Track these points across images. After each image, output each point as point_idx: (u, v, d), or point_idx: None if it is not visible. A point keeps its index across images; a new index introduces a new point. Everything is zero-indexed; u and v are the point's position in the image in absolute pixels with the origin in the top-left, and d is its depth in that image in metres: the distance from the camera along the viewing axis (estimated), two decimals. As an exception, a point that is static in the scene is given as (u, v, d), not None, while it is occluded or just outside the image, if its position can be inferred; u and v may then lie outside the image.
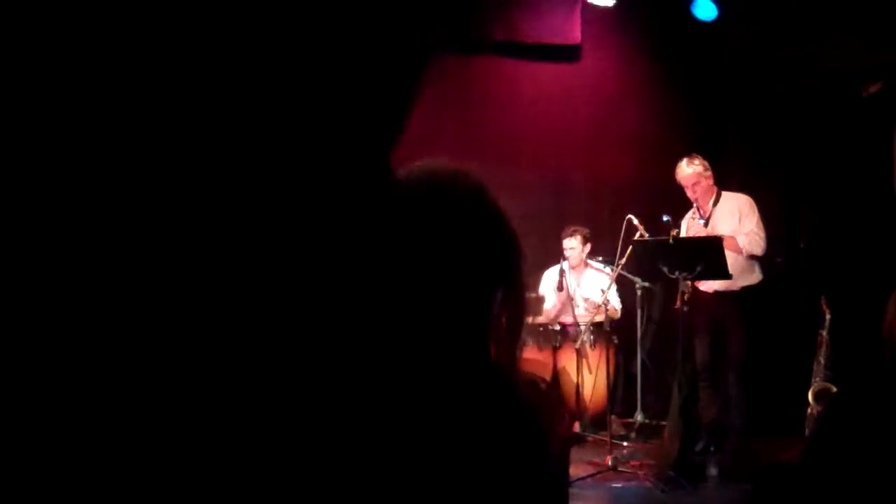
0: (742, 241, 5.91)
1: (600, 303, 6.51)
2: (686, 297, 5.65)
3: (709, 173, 6.06)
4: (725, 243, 5.73)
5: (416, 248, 1.19)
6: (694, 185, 6.00)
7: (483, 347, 1.24)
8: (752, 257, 5.97)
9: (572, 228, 6.85)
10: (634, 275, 6.42)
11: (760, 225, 5.97)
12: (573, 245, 6.82)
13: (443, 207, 1.27)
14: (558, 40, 7.36)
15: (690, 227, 6.10)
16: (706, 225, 6.02)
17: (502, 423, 1.19)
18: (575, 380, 6.40)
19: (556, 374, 6.55)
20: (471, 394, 1.19)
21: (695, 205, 6.07)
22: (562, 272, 6.64)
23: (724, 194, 6.09)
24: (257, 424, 0.89)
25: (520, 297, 1.31)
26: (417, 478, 1.08)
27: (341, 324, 0.99)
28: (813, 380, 6.01)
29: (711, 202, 6.08)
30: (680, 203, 6.19)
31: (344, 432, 1.02)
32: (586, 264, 6.89)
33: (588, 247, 6.87)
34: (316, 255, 0.94)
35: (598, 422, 6.42)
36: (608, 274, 6.59)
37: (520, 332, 1.30)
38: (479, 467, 1.13)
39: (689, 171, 6.00)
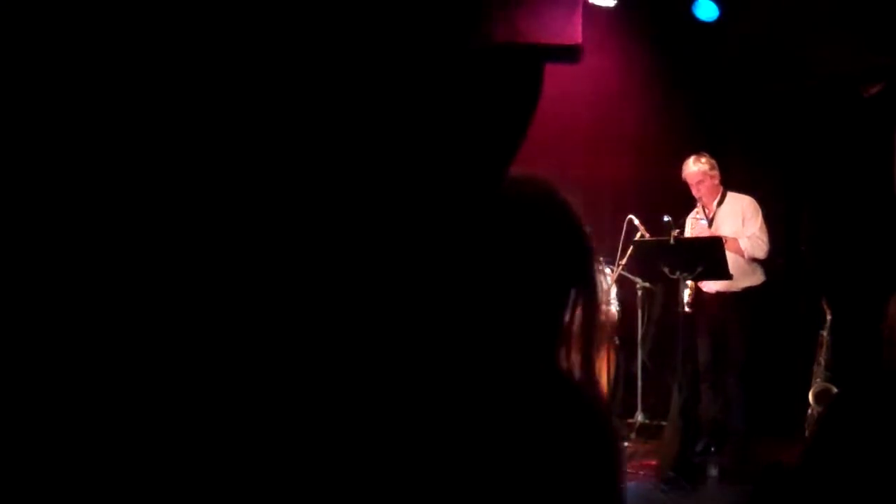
0: (744, 244, 5.90)
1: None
2: (690, 297, 5.66)
3: (715, 172, 6.05)
4: (728, 245, 5.73)
5: (488, 250, 1.19)
6: (698, 183, 6.00)
7: (553, 351, 1.24)
8: (754, 259, 5.96)
9: None
10: (635, 275, 6.42)
11: (764, 228, 5.97)
12: None
13: (514, 211, 1.28)
14: (559, 41, 7.29)
15: (694, 226, 6.09)
16: (710, 225, 6.02)
17: (572, 432, 1.18)
18: (575, 380, 6.38)
19: (557, 375, 6.55)
20: (541, 398, 1.18)
21: (699, 204, 6.07)
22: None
23: (730, 195, 6.09)
24: (318, 427, 0.89)
25: (593, 297, 1.31)
26: (482, 484, 1.08)
27: (411, 324, 0.99)
28: (813, 380, 6.00)
29: (716, 202, 6.08)
30: (681, 203, 6.19)
31: (410, 435, 1.02)
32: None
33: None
34: (390, 256, 0.94)
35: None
36: (608, 274, 6.59)
37: (595, 333, 1.29)
38: (545, 474, 1.13)
39: (695, 169, 6.01)
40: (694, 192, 6.04)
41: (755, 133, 7.16)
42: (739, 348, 5.92)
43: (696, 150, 6.20)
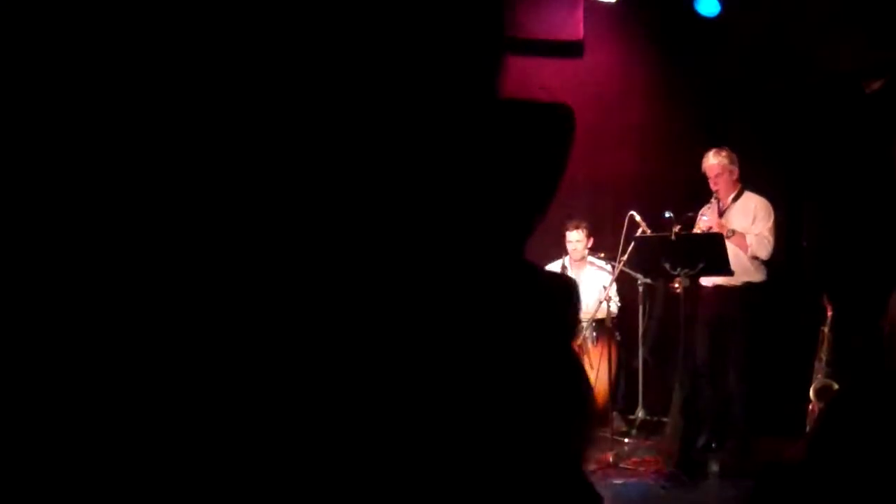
0: (749, 240, 5.91)
1: (602, 298, 6.50)
2: (680, 287, 5.66)
3: (734, 167, 6.06)
4: (733, 238, 5.74)
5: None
6: (717, 176, 6.01)
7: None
8: (756, 258, 5.96)
9: (576, 221, 6.84)
10: (636, 271, 6.42)
11: (772, 230, 5.97)
12: (579, 238, 6.81)
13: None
14: (561, 36, 7.35)
15: (699, 222, 6.09)
16: (720, 216, 6.02)
17: None
18: (576, 376, 6.38)
19: (558, 371, 6.55)
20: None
21: (713, 197, 6.07)
22: (563, 268, 6.63)
23: (747, 193, 6.09)
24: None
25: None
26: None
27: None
28: (814, 377, 6.00)
29: (731, 197, 6.08)
30: (681, 199, 6.19)
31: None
32: (586, 260, 6.90)
33: (590, 241, 6.88)
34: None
35: (600, 418, 6.43)
36: (609, 271, 6.59)
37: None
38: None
39: (714, 161, 6.02)
40: (711, 185, 6.05)
41: (757, 129, 7.16)
42: (740, 344, 5.93)
43: (698, 147, 6.19)
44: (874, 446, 2.21)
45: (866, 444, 2.23)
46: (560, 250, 6.87)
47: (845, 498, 2.23)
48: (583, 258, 6.86)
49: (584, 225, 6.84)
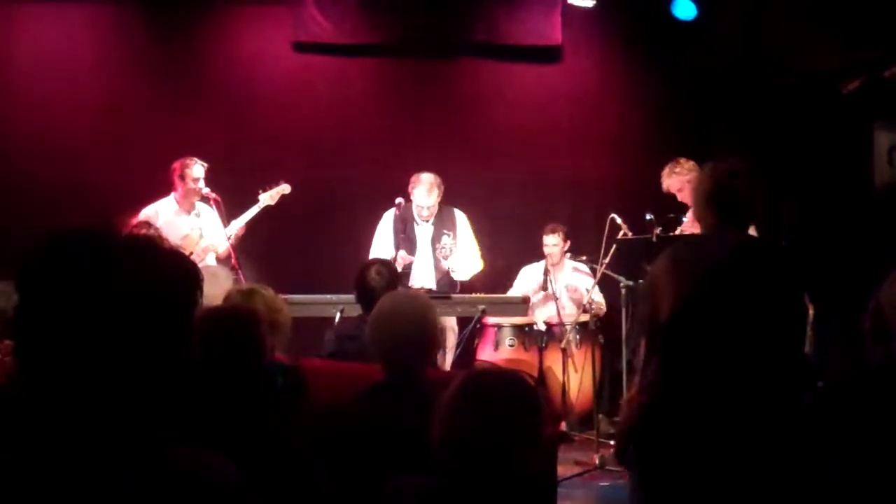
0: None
1: (585, 301, 6.52)
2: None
3: (692, 175, 6.06)
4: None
5: None
6: (679, 191, 6.03)
7: None
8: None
9: (552, 225, 6.86)
10: (618, 273, 6.44)
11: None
12: (555, 241, 6.84)
13: None
14: (539, 41, 7.37)
15: (686, 228, 6.10)
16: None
17: None
18: (561, 379, 6.41)
19: (543, 374, 6.57)
20: None
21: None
22: (546, 271, 6.67)
23: None
24: None
25: None
26: None
27: None
28: (796, 375, 6.04)
29: None
30: (663, 202, 6.21)
31: None
32: (564, 263, 6.92)
33: (567, 244, 6.89)
34: None
35: (585, 421, 6.45)
36: (590, 274, 6.61)
37: None
38: None
39: (670, 180, 6.04)
40: (679, 198, 6.06)
41: (735, 130, 7.20)
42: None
43: (678, 149, 6.21)
44: (858, 440, 2.23)
45: (850, 438, 2.25)
46: (540, 253, 6.90)
47: (831, 493, 2.25)
48: (560, 261, 6.89)
49: (560, 228, 6.86)
